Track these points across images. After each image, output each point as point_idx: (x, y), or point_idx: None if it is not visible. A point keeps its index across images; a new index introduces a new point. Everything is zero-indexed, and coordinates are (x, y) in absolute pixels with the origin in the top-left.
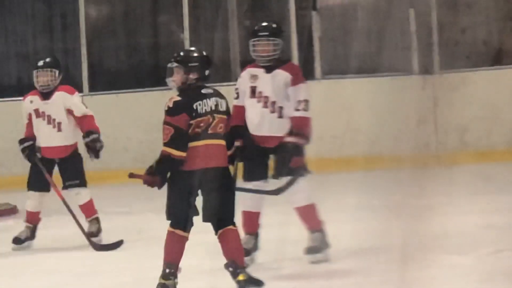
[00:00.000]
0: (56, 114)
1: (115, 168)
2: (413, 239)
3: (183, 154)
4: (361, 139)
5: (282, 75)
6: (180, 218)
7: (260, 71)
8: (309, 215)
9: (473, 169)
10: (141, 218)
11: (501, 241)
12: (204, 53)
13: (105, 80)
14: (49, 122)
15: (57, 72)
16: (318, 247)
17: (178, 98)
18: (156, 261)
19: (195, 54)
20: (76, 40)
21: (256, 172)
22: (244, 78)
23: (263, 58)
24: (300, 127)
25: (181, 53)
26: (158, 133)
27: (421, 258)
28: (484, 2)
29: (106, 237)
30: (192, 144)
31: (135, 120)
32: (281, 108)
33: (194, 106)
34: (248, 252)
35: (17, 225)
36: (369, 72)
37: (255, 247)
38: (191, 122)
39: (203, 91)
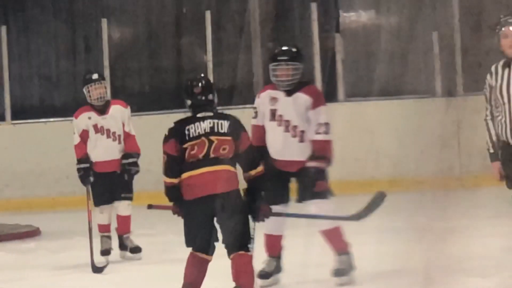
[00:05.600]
0: (116, 127)
1: (137, 190)
2: (436, 262)
3: (174, 180)
4: (384, 162)
5: (302, 98)
6: (195, 243)
7: (280, 94)
8: (335, 238)
9: (496, 192)
10: (164, 240)
11: None
12: (190, 81)
13: (127, 102)
14: (108, 136)
15: (106, 84)
16: (345, 270)
17: (172, 125)
18: (178, 283)
19: (188, 84)
20: (99, 62)
21: (277, 196)
22: (264, 100)
23: (283, 83)
24: (322, 151)
25: None
26: None
27: (444, 280)
28: None
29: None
30: (190, 173)
31: (157, 142)
32: (302, 132)
33: (186, 130)
34: (269, 275)
35: (39, 247)
36: (392, 94)
37: (277, 269)
38: (185, 146)
39: (198, 115)
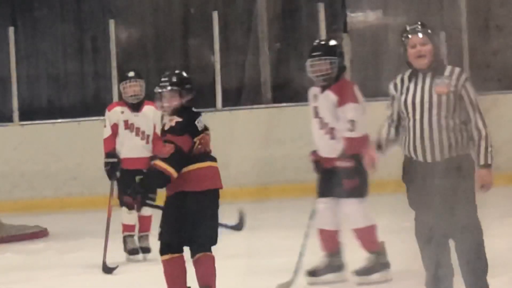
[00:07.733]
0: (146, 126)
1: None
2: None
3: (176, 174)
4: (393, 162)
5: (329, 96)
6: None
7: (318, 91)
8: (366, 237)
9: (504, 192)
10: None
11: None
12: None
13: None
14: (137, 134)
15: (144, 83)
16: (369, 269)
17: (180, 119)
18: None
19: (187, 76)
20: (106, 63)
21: (320, 190)
22: (309, 97)
23: (318, 78)
24: (349, 149)
25: (174, 77)
26: None
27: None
28: None
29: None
30: (199, 165)
31: None
32: (332, 129)
33: (196, 124)
34: (314, 273)
35: (47, 248)
36: None
37: (338, 268)
38: (195, 140)
39: (194, 109)
